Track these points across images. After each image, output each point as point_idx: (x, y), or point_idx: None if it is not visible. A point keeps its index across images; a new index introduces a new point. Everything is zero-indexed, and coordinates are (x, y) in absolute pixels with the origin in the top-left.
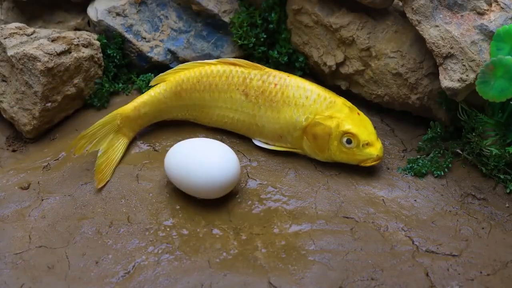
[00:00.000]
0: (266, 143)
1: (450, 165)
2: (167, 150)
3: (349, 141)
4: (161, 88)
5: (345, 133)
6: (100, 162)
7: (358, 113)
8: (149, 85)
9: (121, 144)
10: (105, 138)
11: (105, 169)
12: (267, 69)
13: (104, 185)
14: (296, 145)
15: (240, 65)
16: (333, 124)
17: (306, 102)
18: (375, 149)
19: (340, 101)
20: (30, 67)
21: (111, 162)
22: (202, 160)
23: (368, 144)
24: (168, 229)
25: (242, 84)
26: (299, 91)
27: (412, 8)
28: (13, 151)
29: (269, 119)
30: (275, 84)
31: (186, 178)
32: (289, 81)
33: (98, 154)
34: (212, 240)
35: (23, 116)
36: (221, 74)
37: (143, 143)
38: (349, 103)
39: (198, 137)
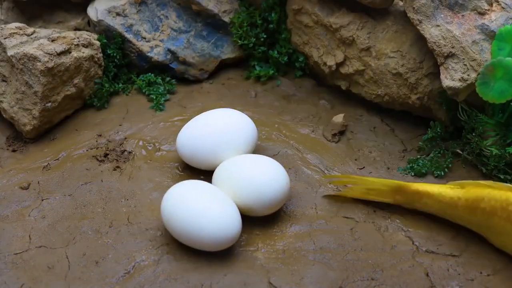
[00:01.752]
0: None
1: (450, 165)
2: (167, 150)
3: None
4: (457, 192)
5: None
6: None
7: None
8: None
9: (381, 195)
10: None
11: (349, 187)
12: None
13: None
14: None
15: None
16: None
17: None
18: None
19: None
20: (30, 67)
21: (355, 190)
22: (252, 177)
23: None
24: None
25: None
26: None
27: (413, 8)
28: (13, 151)
29: None
30: None
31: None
32: None
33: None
34: None
35: (23, 116)
36: None
37: (143, 143)
38: None
39: None
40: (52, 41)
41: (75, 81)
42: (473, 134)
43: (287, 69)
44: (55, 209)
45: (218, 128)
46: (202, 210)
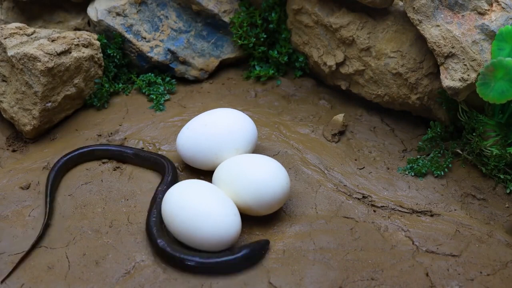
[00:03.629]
0: None
1: (450, 165)
2: (167, 150)
3: None
4: None
5: None
6: None
7: None
8: None
9: None
10: None
11: None
12: None
13: None
14: None
15: None
16: None
17: None
18: None
19: None
20: (30, 67)
21: None
22: (250, 177)
23: None
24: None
25: None
26: None
27: (413, 8)
28: (13, 151)
29: None
30: None
31: (235, 196)
32: None
33: None
34: None
35: (23, 116)
36: None
37: (143, 143)
38: None
39: None
40: (52, 41)
41: (75, 81)
42: (473, 134)
43: (287, 69)
44: (55, 209)
45: (218, 128)
46: (202, 210)
